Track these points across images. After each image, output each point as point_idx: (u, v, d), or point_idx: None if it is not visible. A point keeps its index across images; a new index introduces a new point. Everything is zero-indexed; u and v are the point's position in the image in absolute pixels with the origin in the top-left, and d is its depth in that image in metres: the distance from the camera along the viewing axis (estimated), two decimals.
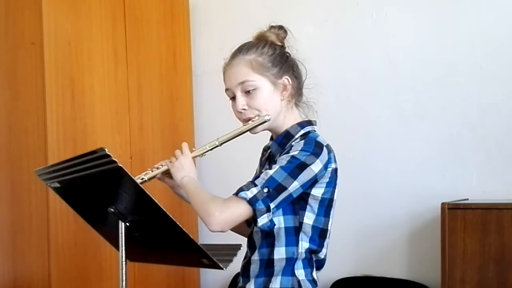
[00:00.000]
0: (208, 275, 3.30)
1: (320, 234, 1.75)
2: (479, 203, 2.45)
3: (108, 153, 1.44)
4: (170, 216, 1.54)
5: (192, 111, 3.35)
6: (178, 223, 1.56)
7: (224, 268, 1.65)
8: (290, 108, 1.81)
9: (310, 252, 1.75)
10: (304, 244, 1.73)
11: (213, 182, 2.76)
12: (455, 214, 2.37)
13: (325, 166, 1.69)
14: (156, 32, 3.14)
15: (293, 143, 1.73)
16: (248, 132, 1.77)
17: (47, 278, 2.53)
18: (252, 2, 3.28)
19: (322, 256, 1.78)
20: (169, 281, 3.10)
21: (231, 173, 3.09)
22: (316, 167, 1.67)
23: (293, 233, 1.72)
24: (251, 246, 1.79)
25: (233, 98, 1.79)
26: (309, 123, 1.81)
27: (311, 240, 1.74)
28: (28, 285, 2.61)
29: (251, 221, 1.69)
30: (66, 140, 2.61)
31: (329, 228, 1.76)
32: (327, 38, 3.07)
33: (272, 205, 1.64)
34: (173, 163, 1.79)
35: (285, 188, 1.64)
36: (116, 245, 1.67)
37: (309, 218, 1.72)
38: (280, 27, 1.84)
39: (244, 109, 1.77)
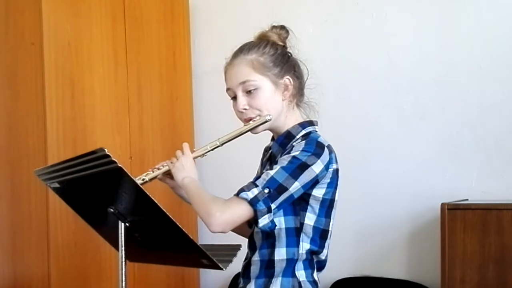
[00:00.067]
0: (208, 275, 3.30)
1: (321, 235, 1.74)
2: (479, 203, 2.45)
3: (108, 153, 1.44)
4: (170, 216, 1.54)
5: (192, 111, 3.35)
6: (177, 224, 1.56)
7: (223, 269, 1.65)
8: (291, 108, 1.81)
9: (311, 253, 1.74)
10: (305, 245, 1.73)
11: (214, 183, 2.75)
12: (455, 214, 2.37)
13: (326, 167, 1.69)
14: (156, 32, 3.14)
15: (294, 143, 1.73)
16: (249, 132, 1.77)
17: (47, 278, 2.53)
18: (252, 2, 3.28)
19: (323, 257, 1.78)
20: (169, 282, 3.10)
21: (232, 173, 3.08)
22: (317, 167, 1.66)
23: (294, 234, 1.72)
24: (252, 247, 1.79)
25: (234, 98, 1.78)
26: (311, 123, 1.81)
27: (312, 241, 1.73)
28: (28, 285, 2.61)
29: (252, 221, 1.68)
30: (66, 140, 2.61)
31: (330, 229, 1.76)
32: (327, 38, 3.07)
33: (273, 206, 1.64)
34: (174, 163, 1.79)
35: (286, 189, 1.64)
36: (115, 245, 1.67)
37: (310, 219, 1.72)
38: (282, 27, 1.84)
39: (245, 109, 1.76)
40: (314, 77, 1.88)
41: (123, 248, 1.63)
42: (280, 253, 1.72)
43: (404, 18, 2.88)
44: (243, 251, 1.85)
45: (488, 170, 2.67)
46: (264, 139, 1.88)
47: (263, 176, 1.66)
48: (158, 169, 1.83)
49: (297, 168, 1.65)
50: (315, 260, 1.76)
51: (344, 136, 2.83)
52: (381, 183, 2.89)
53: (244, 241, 1.86)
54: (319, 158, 1.67)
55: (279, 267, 1.72)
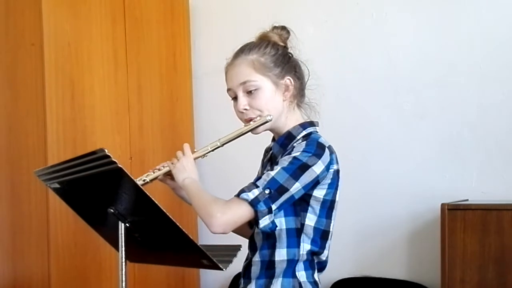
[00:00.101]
0: (208, 275, 3.30)
1: (321, 236, 1.74)
2: (479, 203, 2.45)
3: (108, 153, 1.44)
4: (170, 216, 1.54)
5: (192, 112, 3.35)
6: (178, 224, 1.56)
7: (224, 269, 1.65)
8: (292, 109, 1.80)
9: (311, 254, 1.74)
10: (305, 246, 1.72)
11: (214, 184, 2.75)
12: (455, 214, 2.37)
13: (327, 168, 1.69)
14: (156, 32, 3.14)
15: (295, 144, 1.73)
16: (249, 132, 1.77)
17: (47, 278, 2.53)
18: (252, 3, 3.28)
19: (324, 258, 1.77)
20: (169, 282, 3.10)
21: (233, 174, 3.08)
22: (318, 168, 1.66)
23: (295, 234, 1.72)
24: (252, 248, 1.79)
25: (235, 98, 1.78)
26: (311, 124, 1.80)
27: (313, 242, 1.73)
28: (28, 285, 2.61)
29: (253, 222, 1.68)
30: (66, 140, 2.61)
31: (331, 229, 1.76)
32: (327, 38, 3.07)
33: (273, 207, 1.64)
34: (175, 164, 1.79)
35: (286, 190, 1.64)
36: (116, 245, 1.67)
37: (310, 220, 1.72)
38: (283, 28, 1.84)
39: (245, 109, 1.76)
40: (315, 78, 1.88)
41: (123, 248, 1.63)
42: (281, 254, 1.72)
43: (404, 18, 2.88)
44: (243, 252, 1.85)
45: (488, 170, 2.67)
46: (265, 139, 1.88)
47: (263, 177, 1.66)
48: (159, 169, 1.83)
49: (298, 169, 1.65)
50: (315, 261, 1.76)
51: (344, 136, 2.83)
52: (381, 183, 2.89)
53: (244, 242, 1.86)
54: (319, 158, 1.67)
55: (279, 267, 1.72)
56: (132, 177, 1.50)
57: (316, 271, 1.76)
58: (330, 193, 1.73)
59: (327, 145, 1.71)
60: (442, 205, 2.39)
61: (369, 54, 2.94)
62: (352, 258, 2.94)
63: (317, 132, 1.79)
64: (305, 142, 1.70)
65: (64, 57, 2.63)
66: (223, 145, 1.79)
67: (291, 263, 1.72)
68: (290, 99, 1.79)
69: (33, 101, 2.58)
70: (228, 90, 1.80)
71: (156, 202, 1.52)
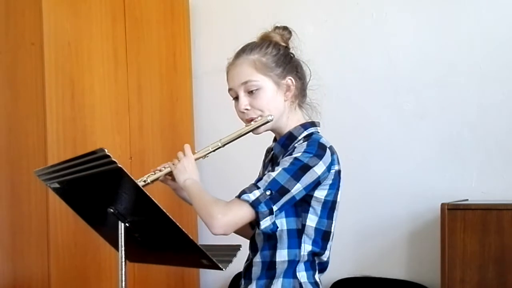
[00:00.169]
0: (207, 275, 3.30)
1: (323, 237, 1.74)
2: (479, 203, 2.45)
3: (108, 153, 1.44)
4: (170, 216, 1.54)
5: (192, 112, 3.35)
6: (177, 224, 1.56)
7: (223, 269, 1.65)
8: (293, 109, 1.80)
9: (312, 254, 1.74)
10: (306, 247, 1.72)
11: (215, 184, 2.75)
12: (455, 214, 2.37)
13: (328, 168, 1.69)
14: (156, 32, 3.14)
15: (296, 144, 1.73)
16: (251, 133, 1.77)
17: (47, 278, 2.53)
18: (252, 3, 3.28)
19: (325, 259, 1.77)
20: (168, 282, 3.10)
21: (234, 175, 3.08)
22: (319, 169, 1.66)
23: (296, 235, 1.71)
24: (253, 248, 1.79)
25: (236, 98, 1.78)
26: (313, 124, 1.80)
27: (314, 243, 1.73)
28: (28, 285, 2.61)
29: (254, 223, 1.68)
30: (66, 140, 2.61)
31: (332, 230, 1.75)
32: (327, 38, 3.07)
33: (275, 208, 1.63)
34: (176, 165, 1.79)
35: (288, 191, 1.63)
36: (115, 245, 1.67)
37: (312, 221, 1.72)
38: (285, 28, 1.83)
39: (246, 109, 1.76)
40: (316, 78, 1.87)
41: (123, 248, 1.63)
42: (282, 255, 1.72)
43: (404, 18, 2.88)
44: (243, 251, 1.84)
45: (488, 170, 2.67)
46: (266, 140, 1.88)
47: (264, 178, 1.66)
48: (160, 170, 1.83)
49: (299, 169, 1.64)
50: (316, 262, 1.76)
51: (344, 136, 2.82)
52: (381, 183, 2.89)
53: (244, 242, 1.86)
54: (321, 159, 1.66)
55: (280, 268, 1.72)
56: (132, 177, 1.50)
57: (317, 272, 1.76)
58: (331, 193, 1.72)
59: (328, 146, 1.71)
60: (442, 205, 2.39)
61: (369, 54, 2.94)
62: (352, 258, 2.94)
63: (318, 132, 1.79)
64: (306, 142, 1.70)
65: (64, 57, 2.63)
66: (224, 145, 1.78)
67: (292, 264, 1.72)
68: (292, 99, 1.79)
69: (33, 100, 2.58)
70: (229, 90, 1.80)
71: (156, 202, 1.52)
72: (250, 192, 1.63)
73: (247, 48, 1.79)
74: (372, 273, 2.91)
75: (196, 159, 1.80)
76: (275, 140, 1.85)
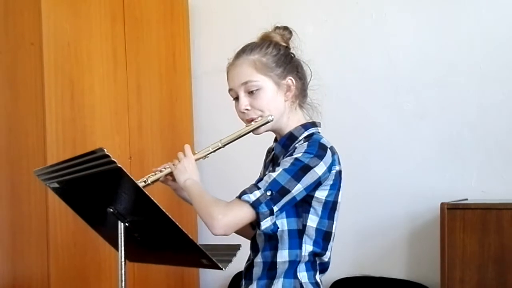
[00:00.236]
0: (207, 275, 3.30)
1: (324, 237, 1.74)
2: (478, 203, 2.45)
3: (107, 153, 1.44)
4: (170, 216, 1.54)
5: (192, 112, 3.35)
6: (177, 224, 1.56)
7: (223, 268, 1.65)
8: (294, 109, 1.80)
9: (313, 255, 1.73)
10: (307, 247, 1.72)
11: (215, 185, 2.74)
12: (454, 214, 2.36)
13: (329, 169, 1.68)
14: (155, 32, 3.14)
15: (296, 145, 1.72)
16: (251, 133, 1.77)
17: (46, 278, 2.53)
18: (252, 3, 3.28)
19: (326, 259, 1.77)
20: (168, 282, 3.10)
21: (234, 175, 3.08)
22: (319, 169, 1.66)
23: (297, 236, 1.71)
24: (254, 249, 1.79)
25: (237, 98, 1.78)
26: (313, 124, 1.80)
27: (315, 243, 1.72)
28: (28, 285, 2.61)
29: (255, 224, 1.68)
30: (66, 140, 2.61)
31: (333, 231, 1.75)
32: (327, 38, 3.07)
33: (275, 208, 1.63)
34: (176, 165, 1.79)
35: (288, 191, 1.63)
36: (115, 245, 1.67)
37: (312, 221, 1.71)
38: (285, 28, 1.83)
39: (247, 110, 1.76)
40: (317, 78, 1.87)
41: (123, 248, 1.63)
42: (283, 255, 1.72)
43: (404, 18, 2.88)
44: (243, 251, 1.84)
45: (488, 170, 2.67)
46: (266, 140, 1.88)
47: (265, 178, 1.66)
48: (160, 171, 1.83)
49: (300, 170, 1.64)
50: (317, 262, 1.76)
51: (344, 136, 2.82)
52: (381, 183, 2.89)
53: (244, 241, 1.86)
54: (321, 160, 1.66)
55: (281, 268, 1.72)
56: (132, 177, 1.50)
57: (318, 272, 1.76)
58: (332, 194, 1.72)
59: (329, 146, 1.71)
60: (442, 204, 2.38)
61: (369, 54, 2.94)
62: (352, 258, 2.94)
63: (319, 132, 1.78)
64: (306, 143, 1.70)
65: (63, 57, 2.63)
66: (224, 145, 1.78)
67: (293, 264, 1.72)
68: (292, 99, 1.79)
69: (32, 101, 2.58)
70: (230, 90, 1.80)
71: (156, 202, 1.52)
72: (251, 193, 1.63)
73: (247, 48, 1.78)
74: (372, 273, 2.91)
75: (196, 160, 1.80)
76: (275, 140, 1.85)
